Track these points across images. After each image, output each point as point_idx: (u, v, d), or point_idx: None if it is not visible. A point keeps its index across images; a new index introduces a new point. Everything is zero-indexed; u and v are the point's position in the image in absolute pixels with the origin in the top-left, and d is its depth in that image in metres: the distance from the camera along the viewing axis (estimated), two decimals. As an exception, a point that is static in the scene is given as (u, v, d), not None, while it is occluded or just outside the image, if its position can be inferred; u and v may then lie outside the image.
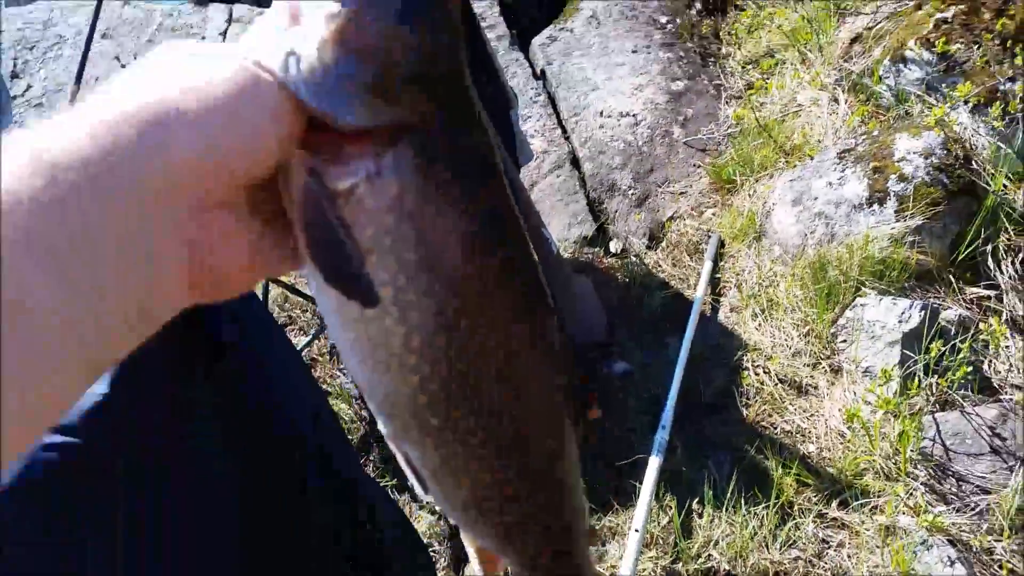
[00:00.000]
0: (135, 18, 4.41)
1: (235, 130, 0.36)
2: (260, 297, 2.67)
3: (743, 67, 3.36)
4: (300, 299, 2.79)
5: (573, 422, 0.52)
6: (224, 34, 4.20)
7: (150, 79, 0.35)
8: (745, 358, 2.27)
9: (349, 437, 2.38)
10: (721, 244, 2.67)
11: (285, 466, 1.52)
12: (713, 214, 2.82)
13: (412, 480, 0.50)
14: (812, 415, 2.07)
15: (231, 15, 4.25)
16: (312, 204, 0.38)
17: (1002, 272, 2.10)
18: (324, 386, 2.55)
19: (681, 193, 2.93)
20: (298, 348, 2.58)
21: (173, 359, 1.40)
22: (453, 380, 0.44)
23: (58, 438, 1.17)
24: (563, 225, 2.91)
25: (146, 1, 4.42)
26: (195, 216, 0.36)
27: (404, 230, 0.39)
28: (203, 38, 4.18)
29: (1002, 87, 2.30)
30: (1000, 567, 1.65)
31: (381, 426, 0.47)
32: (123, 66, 3.99)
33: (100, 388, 1.24)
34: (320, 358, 2.68)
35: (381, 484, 2.18)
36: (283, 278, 2.79)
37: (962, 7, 2.51)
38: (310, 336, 2.69)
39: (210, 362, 1.48)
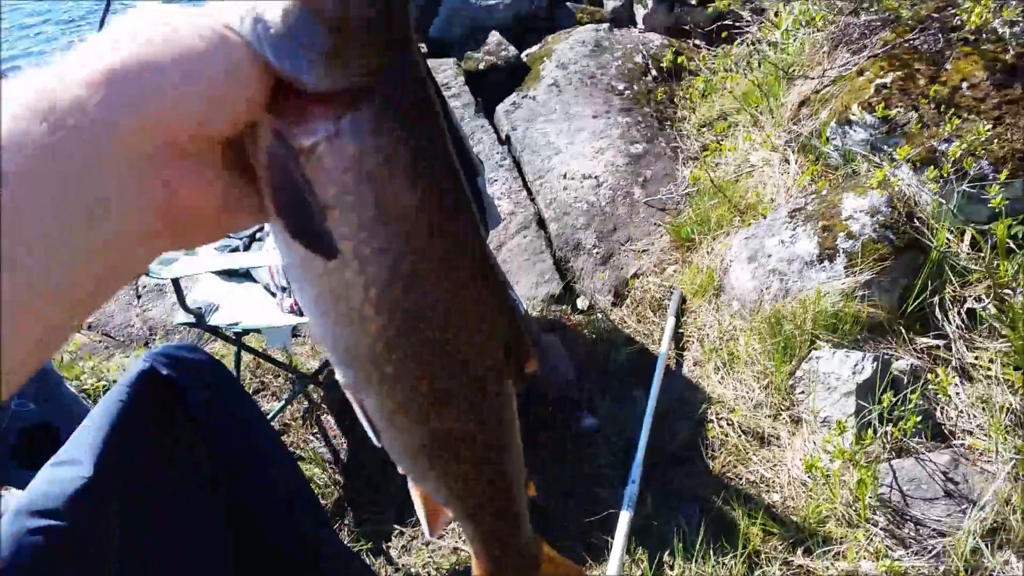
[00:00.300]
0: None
1: (204, 87, 0.39)
2: (232, 365, 2.70)
3: (698, 130, 3.51)
4: (272, 365, 2.82)
5: (514, 377, 0.55)
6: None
7: (129, 35, 0.39)
8: (709, 410, 2.34)
9: (323, 502, 2.40)
10: (683, 300, 2.77)
11: (270, 496, 1.56)
12: (674, 271, 2.92)
13: (368, 429, 0.53)
14: (775, 465, 2.14)
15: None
16: (278, 165, 0.42)
17: (949, 322, 2.21)
18: (297, 451, 2.56)
19: (643, 251, 3.04)
20: (271, 413, 2.61)
21: (155, 412, 1.45)
22: (406, 331, 0.47)
23: (44, 522, 1.20)
24: (531, 284, 2.99)
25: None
26: (171, 163, 0.39)
27: (361, 189, 0.42)
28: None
29: (939, 147, 2.45)
30: (957, 608, 1.72)
31: (340, 376, 0.50)
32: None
33: (84, 471, 1.27)
34: (293, 423, 2.70)
35: (355, 550, 2.20)
36: (255, 346, 2.83)
37: (899, 74, 2.67)
38: (283, 402, 2.71)
39: (188, 409, 1.53)
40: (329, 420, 2.73)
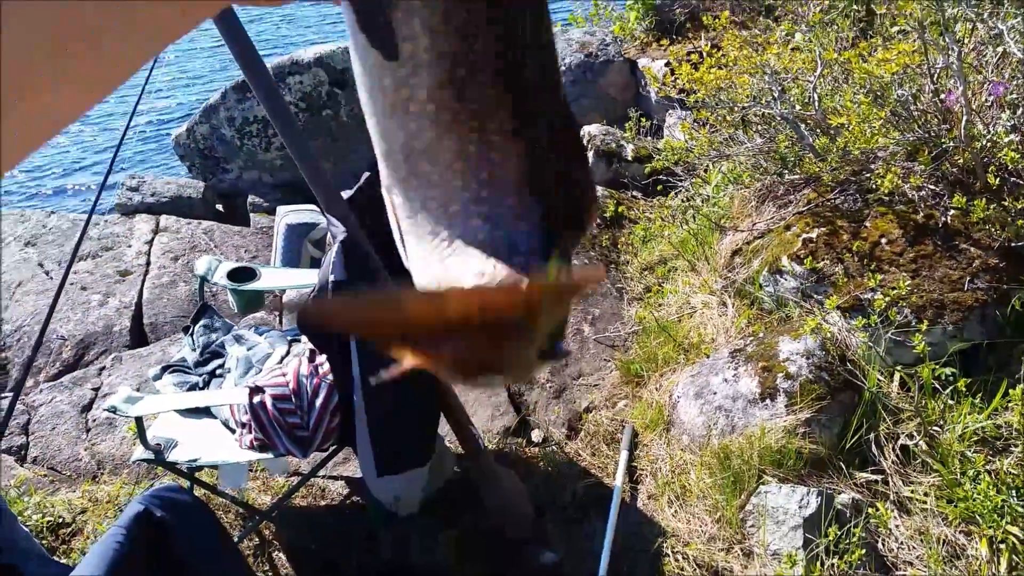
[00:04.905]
0: (59, 227, 4.50)
1: None
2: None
3: (640, 273, 3.74)
4: (223, 500, 2.79)
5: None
6: (150, 243, 4.34)
7: None
8: (665, 545, 2.42)
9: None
10: (635, 434, 2.89)
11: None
12: (625, 405, 3.05)
13: (396, 236, 0.51)
14: (731, 598, 2.21)
15: (157, 225, 4.41)
16: None
17: (885, 458, 2.38)
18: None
19: (595, 385, 3.17)
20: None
21: (147, 553, 1.48)
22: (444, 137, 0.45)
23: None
24: (487, 416, 3.07)
25: (69, 212, 4.53)
26: None
27: None
28: (129, 246, 4.30)
29: (864, 296, 2.69)
30: None
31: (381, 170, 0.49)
32: (47, 273, 4.06)
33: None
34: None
35: None
36: (205, 479, 2.80)
37: (824, 230, 2.95)
38: (236, 539, 2.67)
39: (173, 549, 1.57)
40: (281, 558, 2.70)
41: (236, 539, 2.65)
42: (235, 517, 2.86)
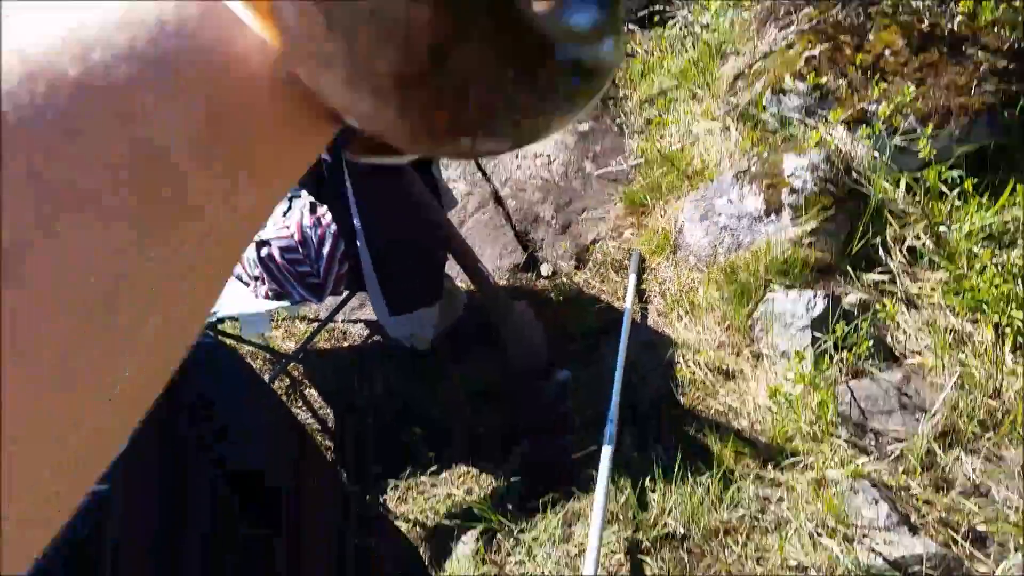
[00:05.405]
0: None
1: None
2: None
3: (640, 106, 3.69)
4: (250, 347, 2.87)
5: None
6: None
7: None
8: (676, 354, 2.50)
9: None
10: (642, 259, 2.93)
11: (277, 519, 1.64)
12: (631, 234, 3.08)
13: None
14: (741, 395, 2.31)
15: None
16: None
17: (892, 258, 2.42)
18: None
19: (600, 219, 3.20)
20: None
21: (164, 436, 1.50)
22: None
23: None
24: (495, 255, 3.12)
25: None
26: None
27: None
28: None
29: (869, 108, 2.67)
30: (916, 499, 1.91)
31: None
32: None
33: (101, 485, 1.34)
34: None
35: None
36: (230, 330, 2.87)
37: (826, 46, 2.89)
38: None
39: (197, 423, 1.60)
40: (312, 393, 2.80)
41: (268, 381, 2.75)
42: (263, 363, 2.95)
